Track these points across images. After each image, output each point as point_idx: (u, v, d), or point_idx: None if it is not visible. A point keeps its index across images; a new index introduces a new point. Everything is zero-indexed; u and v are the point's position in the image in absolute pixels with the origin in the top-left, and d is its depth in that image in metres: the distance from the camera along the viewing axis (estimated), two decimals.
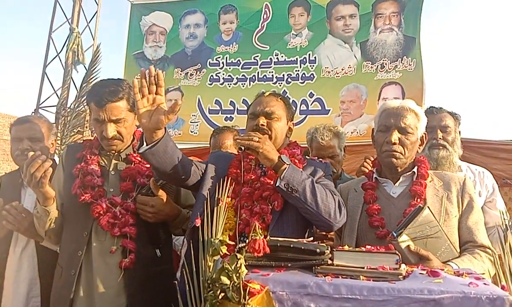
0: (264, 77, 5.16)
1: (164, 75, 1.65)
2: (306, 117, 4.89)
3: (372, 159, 2.07)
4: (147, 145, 1.58)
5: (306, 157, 1.92)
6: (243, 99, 5.12)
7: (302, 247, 1.24)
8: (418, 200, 1.66)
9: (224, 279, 1.09)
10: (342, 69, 4.90)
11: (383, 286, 1.07)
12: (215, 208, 1.24)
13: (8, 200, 1.99)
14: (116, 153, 1.92)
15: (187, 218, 1.92)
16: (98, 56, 7.50)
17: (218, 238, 1.18)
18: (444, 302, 1.02)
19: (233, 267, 1.09)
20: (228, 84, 5.28)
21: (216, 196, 1.41)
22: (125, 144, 1.93)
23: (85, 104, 7.01)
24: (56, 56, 7.92)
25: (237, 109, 5.17)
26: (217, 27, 5.46)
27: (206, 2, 5.59)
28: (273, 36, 5.21)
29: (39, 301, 2.05)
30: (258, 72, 5.20)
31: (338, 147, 2.53)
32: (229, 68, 5.31)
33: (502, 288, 1.08)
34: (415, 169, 1.75)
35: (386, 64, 4.73)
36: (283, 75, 5.09)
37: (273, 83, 5.09)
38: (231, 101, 5.22)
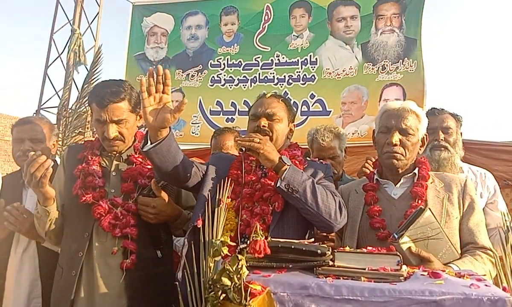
0: (265, 78, 5.17)
1: None
2: (307, 118, 4.89)
3: (374, 159, 2.07)
4: (151, 144, 1.59)
5: (307, 158, 1.92)
6: (244, 100, 5.12)
7: (303, 248, 1.24)
8: (419, 201, 1.66)
9: (225, 280, 1.09)
10: (343, 71, 4.90)
11: (384, 287, 1.07)
12: (216, 209, 1.24)
13: (9, 201, 1.99)
14: (117, 154, 1.93)
15: (188, 219, 1.92)
16: (100, 57, 7.54)
17: (219, 239, 1.18)
18: (445, 303, 1.02)
19: (234, 268, 1.09)
20: (229, 85, 5.29)
21: (217, 197, 1.41)
22: (127, 145, 1.93)
23: (86, 105, 7.04)
24: (57, 57, 7.95)
25: (238, 110, 5.17)
26: (218, 29, 5.46)
27: (208, 3, 5.60)
28: (274, 37, 5.21)
29: (40, 302, 2.05)
30: (259, 73, 5.20)
31: (339, 148, 2.53)
32: (231, 69, 5.31)
33: (504, 289, 1.08)
34: (416, 171, 1.75)
35: (387, 65, 4.73)
36: (284, 76, 5.09)
37: (274, 84, 5.09)
38: (232, 102, 5.23)
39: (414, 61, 4.63)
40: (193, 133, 5.31)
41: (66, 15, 7.97)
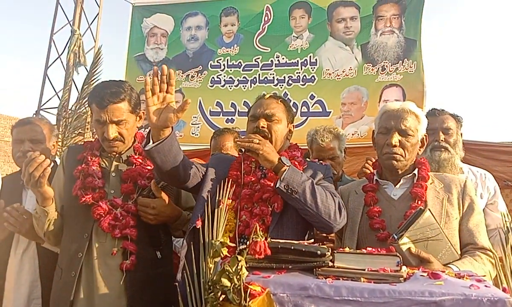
0: (265, 79, 5.18)
1: None
2: (307, 119, 4.90)
3: (373, 160, 2.07)
4: (153, 143, 1.59)
5: (307, 159, 1.92)
6: (244, 101, 5.13)
7: (303, 249, 1.24)
8: (419, 202, 1.66)
9: (225, 281, 1.09)
10: (343, 71, 4.91)
11: (384, 288, 1.07)
12: (216, 210, 1.24)
13: (9, 202, 1.99)
14: (117, 155, 1.92)
15: (188, 220, 1.92)
16: (100, 58, 7.53)
17: (218, 240, 1.18)
18: (445, 304, 1.02)
19: (233, 269, 1.09)
20: (229, 86, 5.30)
21: (217, 198, 1.41)
22: (126, 146, 1.93)
23: (86, 105, 7.03)
24: (57, 57, 7.94)
25: (238, 111, 5.18)
26: (218, 29, 5.47)
27: (208, 4, 5.61)
28: (274, 38, 5.22)
29: (40, 303, 2.05)
30: (259, 74, 5.21)
31: (338, 148, 2.53)
32: (230, 70, 5.32)
33: (503, 290, 1.08)
34: (415, 171, 1.75)
35: (387, 66, 4.74)
36: (284, 77, 5.10)
37: (274, 85, 5.10)
38: (232, 103, 5.24)
39: (414, 62, 4.64)
40: (193, 133, 5.31)
41: (66, 15, 7.97)
